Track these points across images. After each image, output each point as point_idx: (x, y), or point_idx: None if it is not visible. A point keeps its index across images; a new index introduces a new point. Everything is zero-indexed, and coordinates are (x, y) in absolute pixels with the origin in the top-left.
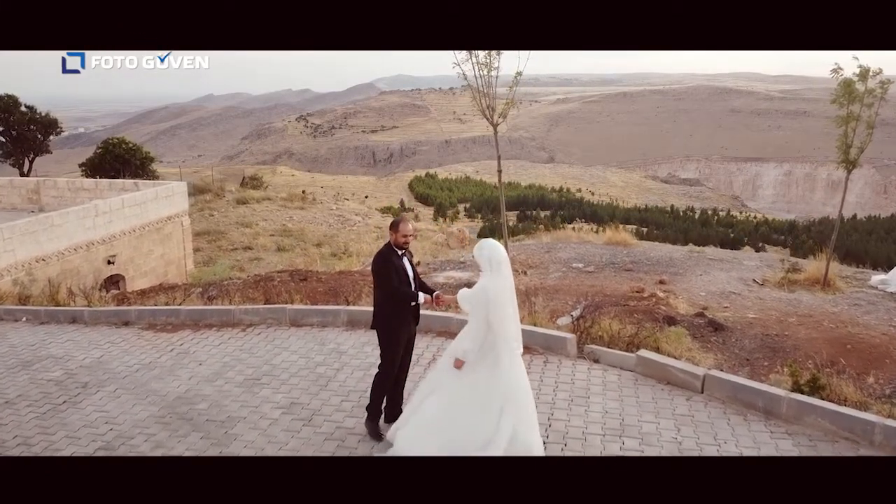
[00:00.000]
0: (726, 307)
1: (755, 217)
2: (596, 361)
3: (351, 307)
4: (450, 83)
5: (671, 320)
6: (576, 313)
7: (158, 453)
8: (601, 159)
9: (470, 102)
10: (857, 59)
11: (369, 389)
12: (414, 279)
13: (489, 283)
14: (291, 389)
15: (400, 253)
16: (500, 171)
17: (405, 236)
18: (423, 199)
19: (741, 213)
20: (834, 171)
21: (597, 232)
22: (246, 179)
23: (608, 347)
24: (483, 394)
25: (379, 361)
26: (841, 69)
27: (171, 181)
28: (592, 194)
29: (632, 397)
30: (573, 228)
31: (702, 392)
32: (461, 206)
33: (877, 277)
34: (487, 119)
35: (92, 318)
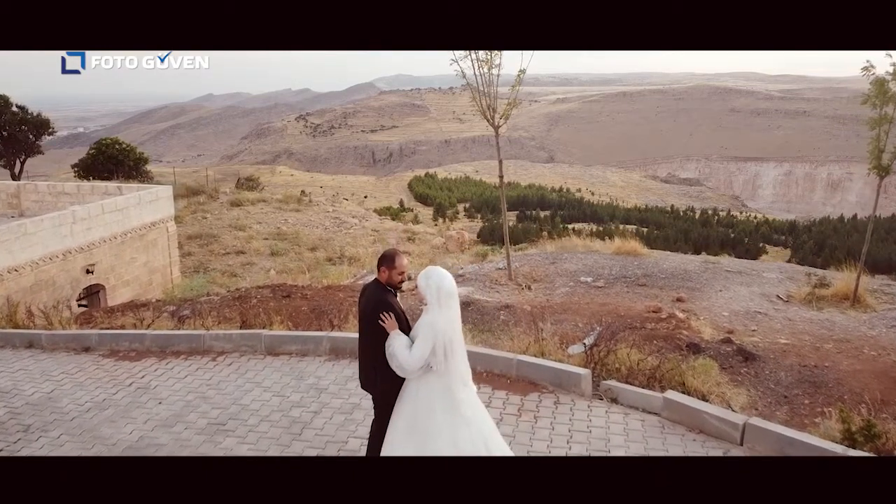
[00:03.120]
0: (754, 330)
1: (755, 217)
2: (614, 401)
3: (335, 333)
4: (449, 83)
5: (696, 348)
6: (589, 341)
7: None
8: (601, 159)
9: (469, 102)
10: (890, 55)
11: (364, 447)
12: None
13: (437, 318)
14: (259, 439)
15: (394, 293)
16: (501, 177)
17: (402, 273)
18: (423, 199)
19: (741, 213)
20: (834, 170)
21: (603, 239)
22: (241, 180)
23: (627, 382)
24: (449, 444)
25: (374, 419)
26: (873, 67)
27: (156, 186)
28: (592, 194)
29: (659, 450)
30: (573, 229)
31: (741, 444)
32: (461, 206)
33: None
34: (488, 121)
35: (50, 343)
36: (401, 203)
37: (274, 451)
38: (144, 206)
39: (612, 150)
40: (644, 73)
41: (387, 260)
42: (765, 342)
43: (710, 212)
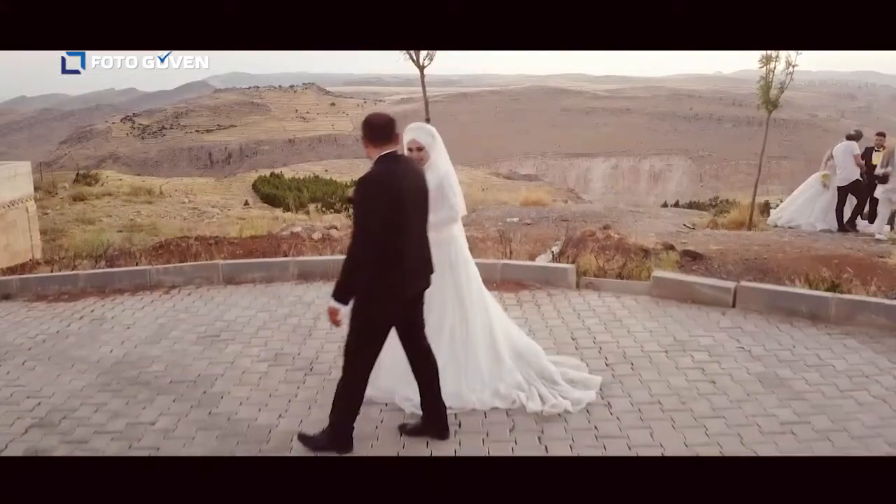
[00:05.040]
0: (684, 242)
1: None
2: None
3: (302, 257)
4: (290, 81)
5: (646, 252)
6: (555, 249)
7: (120, 422)
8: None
9: (314, 101)
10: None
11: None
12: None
13: (441, 163)
14: (268, 341)
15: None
16: (428, 120)
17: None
18: (270, 200)
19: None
20: (655, 163)
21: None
22: (80, 175)
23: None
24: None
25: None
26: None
27: (13, 161)
28: None
29: (666, 317)
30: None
31: (733, 306)
32: (312, 207)
33: (775, 215)
34: (413, 61)
35: None
36: (246, 203)
37: (291, 349)
38: (2, 182)
39: (457, 149)
40: (480, 75)
41: (387, 130)
42: (700, 248)
43: None
